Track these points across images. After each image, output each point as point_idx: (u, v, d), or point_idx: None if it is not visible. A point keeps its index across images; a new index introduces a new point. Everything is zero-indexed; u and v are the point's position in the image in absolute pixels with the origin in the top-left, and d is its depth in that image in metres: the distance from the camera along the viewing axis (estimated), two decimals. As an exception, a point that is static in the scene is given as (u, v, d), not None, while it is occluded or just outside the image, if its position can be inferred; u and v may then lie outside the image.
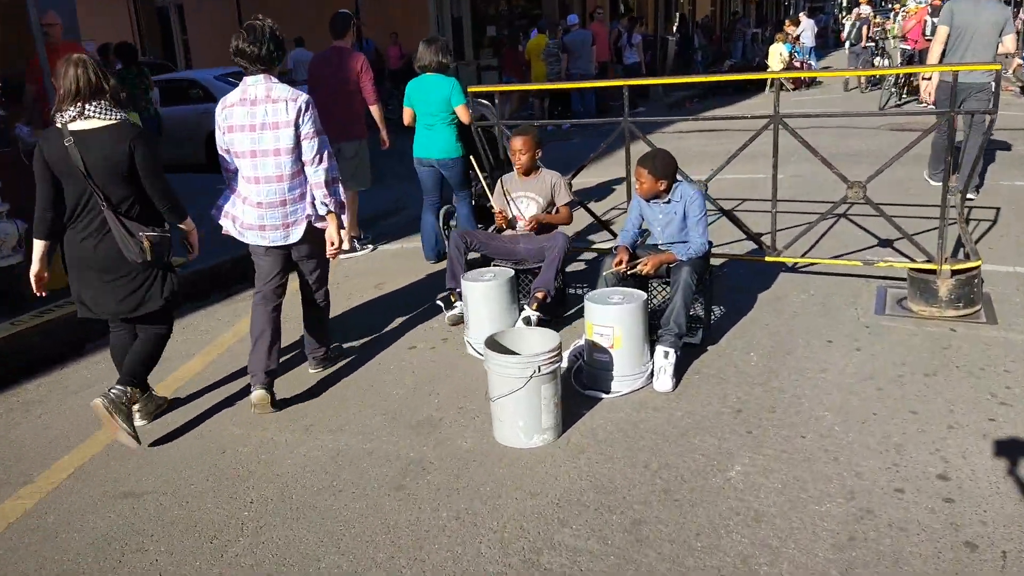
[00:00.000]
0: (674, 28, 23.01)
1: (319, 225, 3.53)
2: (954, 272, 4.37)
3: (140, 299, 3.25)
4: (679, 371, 3.62)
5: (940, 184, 6.71)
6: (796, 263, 5.05)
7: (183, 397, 3.84)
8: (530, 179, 4.41)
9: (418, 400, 3.58)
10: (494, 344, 3.10)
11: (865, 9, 19.38)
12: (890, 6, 30.52)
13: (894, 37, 16.24)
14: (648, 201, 4.00)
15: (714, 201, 5.00)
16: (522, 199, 4.40)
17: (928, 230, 5.66)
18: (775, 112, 4.66)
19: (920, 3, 15.12)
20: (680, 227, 3.94)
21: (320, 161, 3.43)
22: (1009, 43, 6.54)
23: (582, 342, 3.64)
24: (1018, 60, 10.14)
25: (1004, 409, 3.22)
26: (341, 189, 3.57)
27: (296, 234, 3.50)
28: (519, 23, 19.37)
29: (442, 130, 5.28)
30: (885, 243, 5.61)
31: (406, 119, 5.40)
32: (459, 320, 4.29)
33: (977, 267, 4.35)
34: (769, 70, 17.95)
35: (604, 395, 3.43)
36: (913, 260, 4.63)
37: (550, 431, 3.05)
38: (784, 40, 18.11)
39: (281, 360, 4.18)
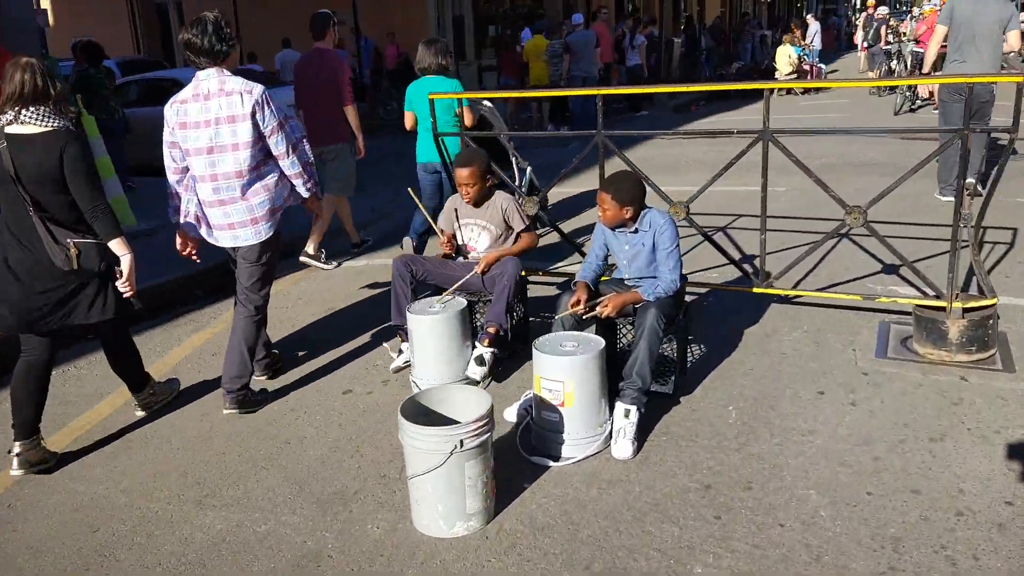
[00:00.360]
0: (681, 29, 22.46)
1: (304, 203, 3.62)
2: (966, 311, 3.86)
3: (84, 310, 3.10)
4: (643, 431, 3.13)
5: (950, 200, 6.23)
6: (787, 295, 4.53)
7: (75, 451, 3.35)
8: (482, 206, 3.92)
9: (336, 464, 3.08)
10: (415, 409, 2.61)
11: (882, 9, 18.80)
12: (905, 8, 29.87)
13: (909, 40, 15.66)
14: (613, 230, 3.51)
15: (695, 224, 4.51)
16: (472, 227, 3.90)
17: (938, 254, 5.16)
18: (764, 127, 4.17)
19: (935, 6, 14.55)
20: (648, 260, 3.46)
21: (292, 152, 3.40)
22: (1014, 40, 6.19)
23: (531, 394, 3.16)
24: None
25: (1024, 488, 2.72)
26: (315, 169, 3.59)
27: (267, 230, 3.42)
28: (522, 23, 18.92)
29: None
30: (890, 269, 5.09)
31: (408, 124, 5.26)
32: (404, 369, 3.78)
33: (992, 305, 3.84)
34: (778, 73, 17.42)
35: (552, 463, 2.93)
36: (921, 292, 4.12)
37: (477, 516, 2.55)
38: (792, 42, 17.54)
39: (198, 398, 3.74)
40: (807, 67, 18.02)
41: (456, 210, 3.96)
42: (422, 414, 2.61)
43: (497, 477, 2.70)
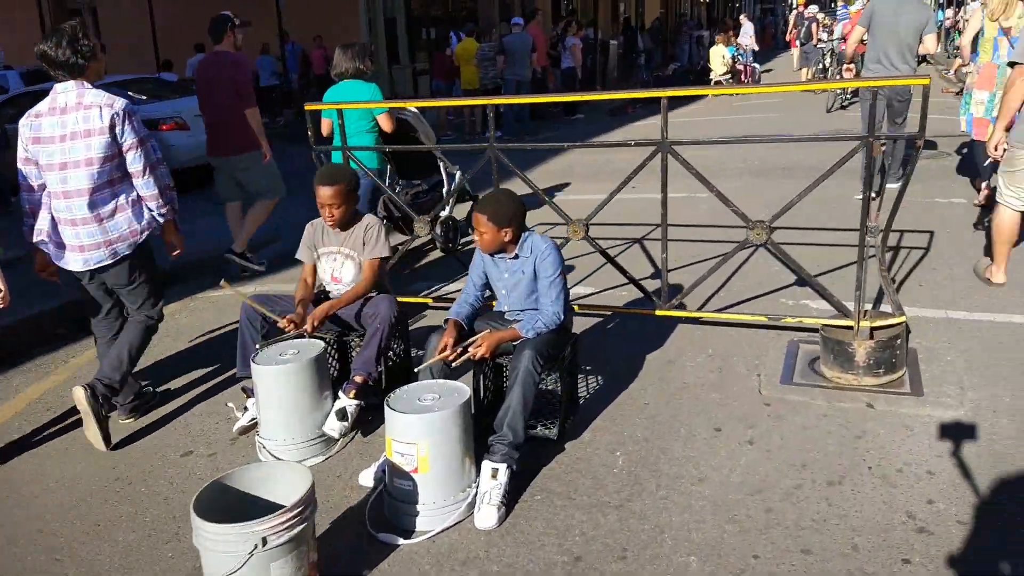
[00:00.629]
0: (620, 30, 22.37)
1: (158, 234, 3.40)
2: (874, 330, 3.64)
3: None
4: (517, 490, 2.79)
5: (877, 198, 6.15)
6: (690, 316, 4.26)
7: None
8: (348, 230, 3.52)
9: (146, 552, 2.62)
10: (222, 496, 2.21)
11: (812, 8, 18.95)
12: (834, 6, 30.37)
13: (836, 40, 15.77)
14: (492, 256, 3.19)
15: (594, 243, 4.22)
16: (335, 256, 3.51)
17: (853, 263, 4.96)
18: (663, 138, 3.89)
19: (860, 7, 14.66)
20: (529, 289, 3.13)
21: (148, 172, 3.24)
22: (930, 43, 6.35)
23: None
24: (959, 60, 9.75)
25: (923, 541, 2.46)
26: (175, 195, 3.42)
27: (124, 249, 3.25)
28: (447, 26, 18.61)
29: (362, 140, 5.03)
30: (804, 281, 4.85)
31: (324, 130, 5.10)
32: (251, 429, 3.34)
33: (900, 324, 3.62)
34: (712, 74, 17.40)
35: (402, 540, 2.57)
36: (833, 304, 3.86)
37: (290, 624, 2.16)
38: (726, 43, 17.53)
39: (11, 468, 3.26)
40: (741, 67, 18.04)
41: (316, 239, 3.56)
42: (235, 500, 2.23)
43: (334, 563, 2.33)
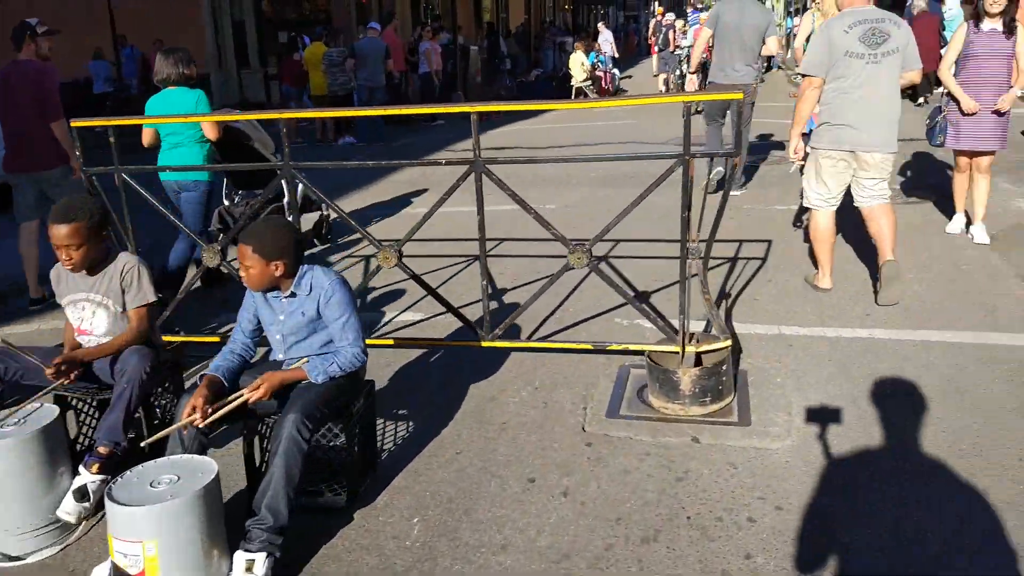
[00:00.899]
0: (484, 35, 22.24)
1: None
2: (700, 355, 3.46)
3: None
4: (283, 581, 2.36)
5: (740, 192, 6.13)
6: (513, 347, 3.95)
7: None
8: (97, 274, 2.95)
9: None
10: None
11: (670, 16, 19.48)
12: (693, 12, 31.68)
13: (689, 45, 16.24)
14: (265, 295, 2.73)
15: (409, 270, 3.83)
16: (84, 304, 2.92)
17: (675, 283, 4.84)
18: (475, 157, 3.55)
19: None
20: (309, 331, 2.71)
21: None
22: (772, 45, 6.55)
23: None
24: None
25: (737, 606, 2.22)
26: None
27: None
28: (297, 30, 17.90)
29: (190, 148, 4.85)
30: (642, 299, 4.67)
31: (145, 140, 4.88)
32: None
33: (726, 348, 3.44)
34: (573, 80, 17.52)
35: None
36: (660, 328, 3.64)
37: None
38: (586, 50, 17.70)
39: None
40: (600, 74, 18.27)
41: (60, 285, 2.96)
42: None
43: None
